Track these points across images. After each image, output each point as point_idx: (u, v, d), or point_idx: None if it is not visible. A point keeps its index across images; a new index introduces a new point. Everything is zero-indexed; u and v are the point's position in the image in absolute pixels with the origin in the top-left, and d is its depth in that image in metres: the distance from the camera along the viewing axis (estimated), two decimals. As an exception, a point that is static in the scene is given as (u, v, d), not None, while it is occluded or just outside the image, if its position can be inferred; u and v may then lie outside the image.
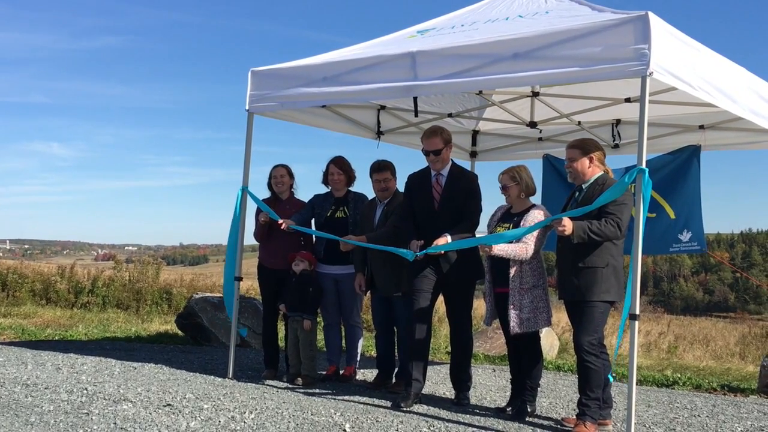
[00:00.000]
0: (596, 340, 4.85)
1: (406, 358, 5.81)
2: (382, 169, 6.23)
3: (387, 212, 6.18)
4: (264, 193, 6.85)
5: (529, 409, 5.41)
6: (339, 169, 6.55)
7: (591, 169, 5.04)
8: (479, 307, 9.70)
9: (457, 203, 5.59)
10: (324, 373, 6.70)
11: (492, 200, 5.72)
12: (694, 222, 7.58)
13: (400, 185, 6.20)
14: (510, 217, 5.37)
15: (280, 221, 6.34)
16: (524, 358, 5.46)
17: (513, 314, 5.18)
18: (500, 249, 5.13)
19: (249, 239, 6.80)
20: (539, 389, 5.55)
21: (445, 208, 5.66)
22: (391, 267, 6.01)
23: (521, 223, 5.24)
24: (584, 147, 5.11)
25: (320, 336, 7.58)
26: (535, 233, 5.19)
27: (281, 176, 6.72)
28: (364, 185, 6.40)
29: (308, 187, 7.09)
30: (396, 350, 6.48)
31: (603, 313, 4.88)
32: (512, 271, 5.20)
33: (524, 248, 5.16)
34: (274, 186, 6.75)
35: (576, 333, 4.96)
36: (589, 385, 4.81)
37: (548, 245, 5.50)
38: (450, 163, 5.83)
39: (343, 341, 6.92)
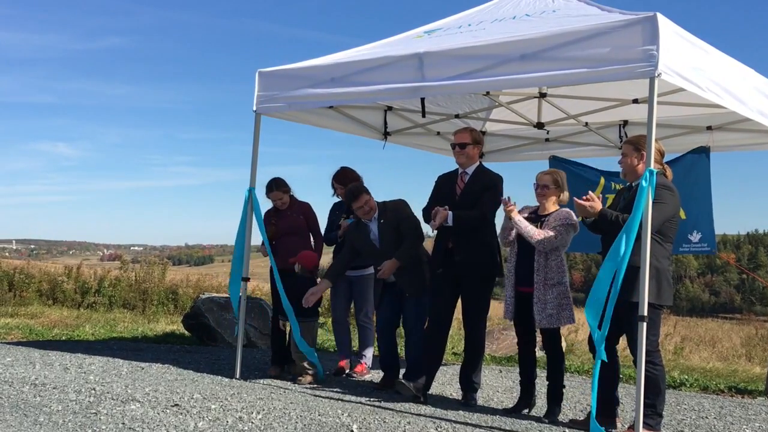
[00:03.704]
0: (650, 346, 4.72)
1: (422, 356, 5.86)
2: (354, 196, 6.09)
3: (390, 225, 6.11)
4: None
5: (554, 412, 5.40)
6: (340, 184, 6.88)
7: (640, 167, 4.87)
8: (492, 308, 9.67)
9: (477, 197, 5.70)
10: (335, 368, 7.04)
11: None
12: (704, 223, 7.56)
13: (411, 187, 6.33)
14: (537, 218, 5.40)
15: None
16: (548, 361, 5.50)
17: (538, 309, 5.23)
18: (520, 221, 5.24)
19: (255, 239, 6.87)
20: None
21: (464, 200, 5.78)
22: (411, 269, 6.06)
23: (546, 222, 5.29)
24: (638, 143, 4.95)
25: (323, 336, 7.62)
26: (561, 229, 5.28)
27: (280, 199, 6.86)
28: (370, 186, 6.43)
29: (311, 185, 7.22)
30: (401, 350, 6.51)
31: (649, 318, 4.63)
32: (536, 266, 5.28)
33: (537, 234, 5.22)
34: (276, 206, 6.90)
35: (628, 340, 4.88)
36: (644, 392, 4.61)
37: (573, 246, 5.54)
38: (477, 163, 5.94)
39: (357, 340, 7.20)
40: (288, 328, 6.71)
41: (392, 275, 6.11)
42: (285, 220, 6.78)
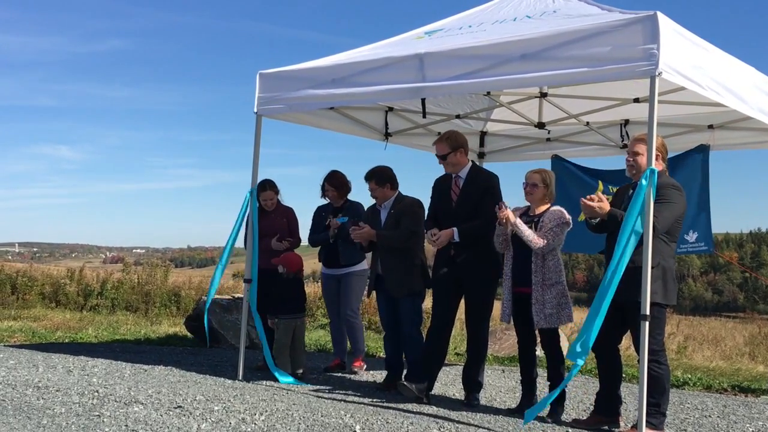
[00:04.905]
0: (656, 345, 4.73)
1: (424, 357, 5.86)
2: (366, 179, 6.40)
3: (395, 215, 6.25)
4: None
5: (556, 412, 5.39)
6: (331, 186, 7.10)
7: (657, 164, 4.78)
8: (495, 308, 9.68)
9: (474, 202, 5.69)
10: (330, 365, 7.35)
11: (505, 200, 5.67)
12: (701, 222, 7.54)
13: (412, 188, 6.40)
14: (529, 218, 5.40)
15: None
16: (548, 361, 5.50)
17: (537, 310, 5.23)
18: (519, 225, 5.22)
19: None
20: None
21: (461, 206, 5.78)
22: (402, 268, 6.12)
23: (540, 223, 5.29)
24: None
25: (317, 334, 7.64)
26: (557, 230, 5.25)
27: (270, 199, 7.17)
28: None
29: (312, 187, 7.33)
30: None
31: (655, 317, 4.66)
32: (534, 267, 5.27)
33: (538, 241, 5.22)
34: (263, 206, 7.12)
35: (633, 339, 4.85)
36: (648, 391, 4.60)
37: (574, 247, 5.53)
38: (469, 165, 5.93)
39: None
40: (275, 326, 6.79)
41: (381, 270, 6.20)
42: (268, 221, 7.02)
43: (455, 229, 5.65)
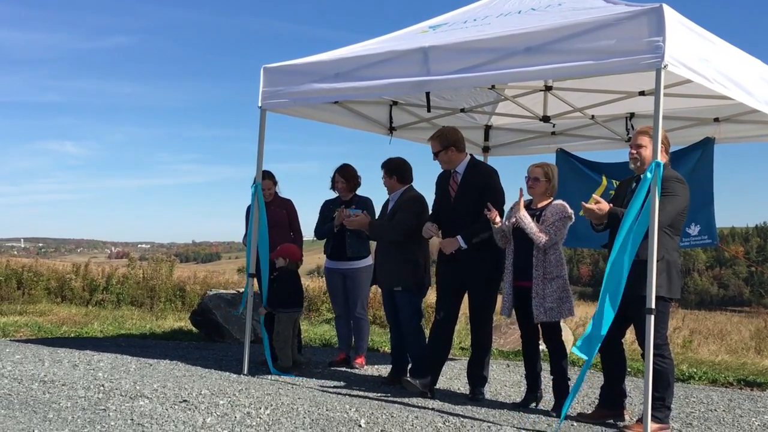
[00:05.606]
0: (660, 339, 4.71)
1: (428, 351, 5.88)
2: (381, 167, 6.44)
3: (394, 208, 6.29)
4: None
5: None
6: (342, 177, 7.08)
7: (661, 157, 4.73)
8: (499, 303, 9.68)
9: (473, 198, 5.67)
10: (333, 360, 7.35)
11: (508, 196, 5.84)
12: (703, 215, 7.49)
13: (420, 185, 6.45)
14: (531, 212, 5.39)
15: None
16: (550, 355, 5.50)
17: (537, 303, 5.22)
18: (525, 218, 5.22)
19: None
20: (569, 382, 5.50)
21: (460, 203, 5.77)
22: (393, 261, 6.15)
23: (543, 217, 5.28)
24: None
25: (322, 329, 7.65)
26: (559, 224, 5.24)
27: (268, 188, 7.19)
28: (373, 185, 6.58)
29: (318, 183, 7.39)
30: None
31: (659, 311, 4.63)
32: (535, 261, 5.26)
33: (542, 236, 5.22)
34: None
35: (637, 334, 4.84)
36: (653, 385, 4.59)
37: (577, 242, 5.52)
38: (467, 159, 5.91)
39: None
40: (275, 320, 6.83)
41: (375, 259, 6.32)
42: (267, 213, 6.92)
43: (460, 237, 5.63)
